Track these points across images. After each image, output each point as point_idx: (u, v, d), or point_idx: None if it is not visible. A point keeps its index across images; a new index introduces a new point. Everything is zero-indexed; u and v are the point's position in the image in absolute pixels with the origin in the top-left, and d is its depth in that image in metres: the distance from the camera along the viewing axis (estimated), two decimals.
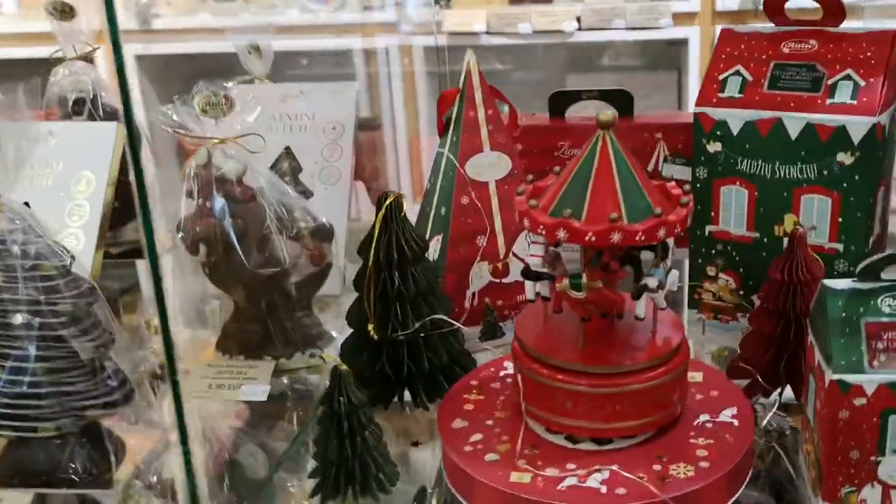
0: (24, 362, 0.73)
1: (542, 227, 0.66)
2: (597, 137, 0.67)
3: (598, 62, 2.55)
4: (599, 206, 0.65)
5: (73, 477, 0.75)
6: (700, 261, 0.91)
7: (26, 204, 0.99)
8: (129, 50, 2.30)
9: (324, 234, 0.92)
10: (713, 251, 0.90)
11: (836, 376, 0.60)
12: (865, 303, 0.61)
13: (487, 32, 2.36)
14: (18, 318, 0.71)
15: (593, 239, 0.64)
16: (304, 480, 0.76)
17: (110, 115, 1.17)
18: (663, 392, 0.70)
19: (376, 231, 0.79)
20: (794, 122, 0.81)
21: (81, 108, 1.17)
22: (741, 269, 0.89)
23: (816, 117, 0.80)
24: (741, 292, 0.90)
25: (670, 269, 0.71)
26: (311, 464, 0.73)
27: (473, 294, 0.95)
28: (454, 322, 0.80)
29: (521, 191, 0.70)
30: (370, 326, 0.81)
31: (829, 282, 0.64)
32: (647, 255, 0.72)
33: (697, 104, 0.86)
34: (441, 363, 0.82)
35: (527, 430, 0.72)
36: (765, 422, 0.76)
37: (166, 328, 0.63)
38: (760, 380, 0.79)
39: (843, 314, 0.61)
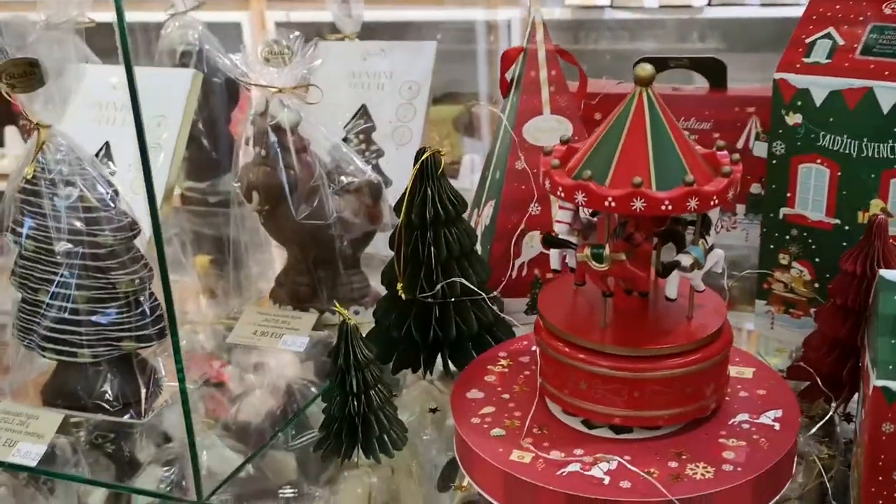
0: (64, 289, 0.75)
1: (561, 189, 0.61)
2: (633, 95, 0.61)
3: (730, 37, 2.39)
4: (627, 169, 0.59)
5: (105, 404, 0.78)
6: (772, 247, 0.82)
7: (107, 146, 1.05)
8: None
9: (372, 189, 0.91)
10: (787, 237, 0.81)
11: (880, 382, 0.51)
12: None
13: (612, 6, 2.27)
14: (61, 247, 0.74)
15: (613, 204, 0.58)
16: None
17: (213, 70, 1.20)
18: (692, 383, 0.63)
19: (409, 187, 0.76)
20: (888, 94, 0.71)
21: (188, 60, 1.21)
22: (817, 260, 0.80)
23: None
24: (816, 285, 0.80)
25: (711, 248, 0.64)
26: None
27: (523, 264, 0.90)
28: (478, 291, 0.76)
29: (549, 150, 0.65)
30: (399, 286, 0.78)
31: (886, 272, 0.55)
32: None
33: (778, 69, 0.77)
34: (470, 331, 0.79)
35: (541, 410, 0.68)
36: (813, 430, 0.67)
37: (166, 278, 0.64)
38: (820, 383, 0.70)
39: None
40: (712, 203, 0.59)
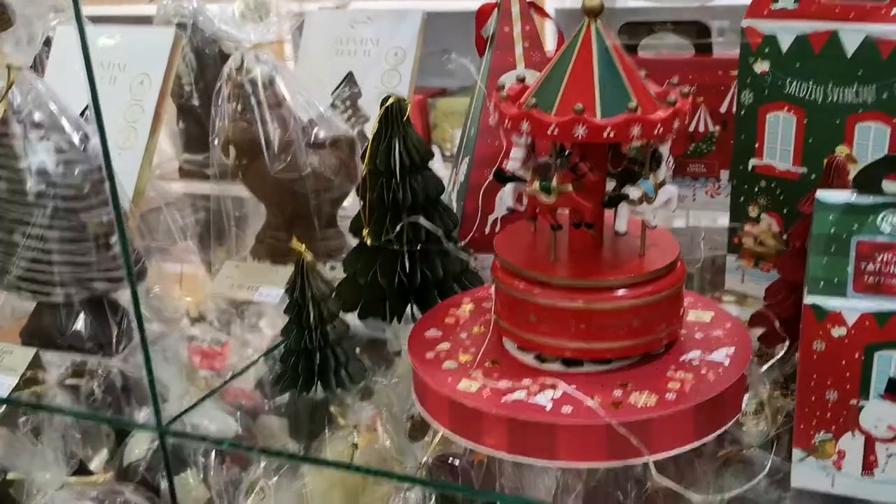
0: (37, 229, 0.77)
1: (507, 119, 0.61)
2: (581, 26, 0.61)
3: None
4: (572, 99, 0.59)
5: (78, 343, 0.80)
6: (742, 199, 0.82)
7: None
8: None
9: (347, 144, 0.92)
10: (756, 189, 0.81)
11: (810, 300, 0.51)
12: (861, 219, 0.52)
13: None
14: (31, 186, 0.76)
15: (556, 132, 0.59)
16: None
17: (207, 42, 1.23)
18: (642, 316, 0.63)
19: (374, 134, 0.77)
20: (851, 36, 0.71)
21: (183, 32, 1.23)
22: (785, 211, 0.79)
23: (877, 29, 0.69)
24: (784, 237, 0.80)
25: (662, 184, 0.64)
26: None
27: (496, 220, 0.91)
28: (443, 237, 0.77)
29: (501, 84, 0.66)
30: (364, 232, 0.79)
31: (822, 193, 0.55)
32: None
33: (746, 16, 0.77)
34: (436, 278, 0.79)
35: (495, 345, 0.68)
36: (764, 368, 0.67)
37: (120, 223, 0.65)
38: (778, 327, 0.70)
39: (832, 230, 0.52)
40: (656, 132, 0.59)
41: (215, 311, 1.03)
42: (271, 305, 0.93)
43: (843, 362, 0.51)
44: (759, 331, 0.72)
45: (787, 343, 0.68)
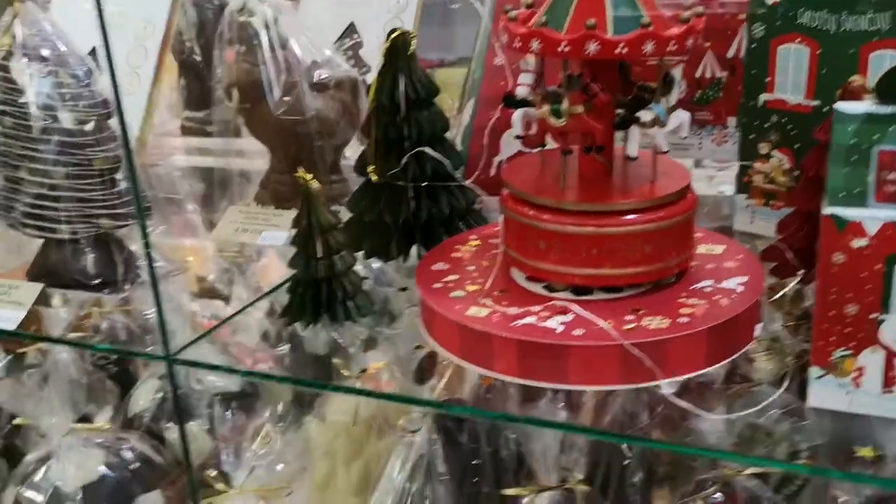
0: (42, 165, 0.76)
1: (517, 38, 0.60)
2: None
3: None
4: (583, 16, 0.58)
5: (84, 280, 0.79)
6: (752, 136, 0.81)
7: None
8: None
9: (350, 84, 0.90)
10: (766, 125, 0.79)
11: (829, 210, 0.50)
12: (882, 128, 0.51)
13: None
14: (36, 121, 0.75)
15: (567, 49, 0.57)
16: None
17: None
18: (653, 242, 0.62)
19: (379, 69, 0.76)
20: None
21: None
22: (797, 146, 0.78)
23: None
24: (795, 173, 0.79)
25: (674, 108, 0.63)
26: None
27: (501, 162, 0.90)
28: (449, 174, 0.76)
29: (509, 8, 0.64)
30: (369, 169, 0.78)
31: (841, 105, 0.53)
32: None
33: None
34: (441, 215, 0.78)
35: (504, 277, 0.67)
36: (778, 295, 0.66)
37: (130, 159, 0.64)
38: (792, 258, 0.69)
39: (853, 140, 0.51)
40: (670, 48, 0.58)
41: (216, 270, 1.03)
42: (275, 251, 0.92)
43: (864, 275, 0.50)
44: (771, 266, 0.71)
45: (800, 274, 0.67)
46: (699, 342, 0.58)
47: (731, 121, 1.02)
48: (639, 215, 0.61)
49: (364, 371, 0.72)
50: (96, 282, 0.79)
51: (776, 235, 0.76)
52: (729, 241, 0.72)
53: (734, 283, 0.64)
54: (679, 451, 0.68)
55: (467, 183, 0.81)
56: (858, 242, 0.50)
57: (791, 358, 0.68)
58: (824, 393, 0.53)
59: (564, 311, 0.61)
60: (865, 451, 0.58)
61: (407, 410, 0.83)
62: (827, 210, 0.50)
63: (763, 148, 0.81)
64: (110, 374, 1.12)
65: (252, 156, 1.02)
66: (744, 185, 0.83)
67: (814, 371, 0.53)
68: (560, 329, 0.59)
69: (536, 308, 0.62)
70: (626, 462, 0.82)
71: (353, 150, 0.99)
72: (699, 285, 0.64)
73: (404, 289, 0.79)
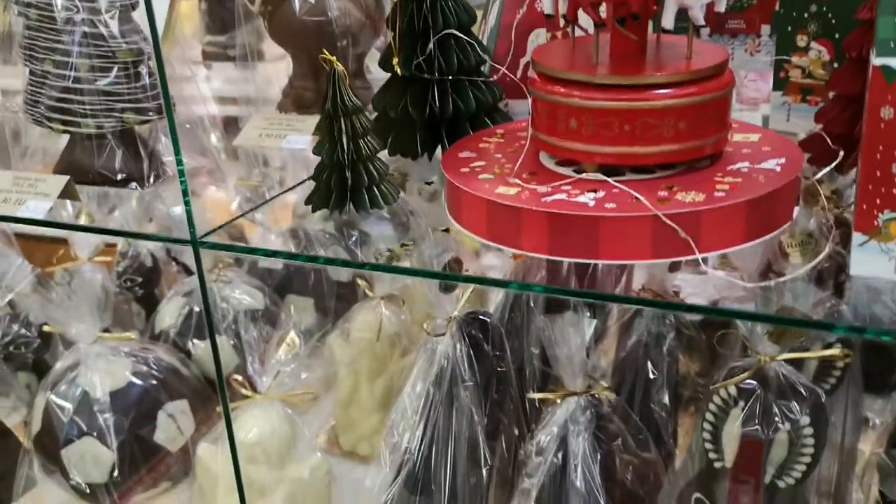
0: (66, 56, 0.75)
1: None
2: None
3: None
4: None
5: (110, 174, 0.78)
6: (789, 28, 0.78)
7: None
8: None
9: None
10: (805, 15, 0.76)
11: (879, 61, 0.48)
12: None
13: None
14: (59, 12, 0.74)
15: None
16: None
17: None
18: (687, 118, 0.60)
19: None
20: None
21: None
22: (837, 35, 0.75)
23: None
24: (835, 65, 0.76)
25: None
26: None
27: (528, 63, 0.87)
28: (476, 68, 0.74)
29: None
30: (394, 61, 0.76)
31: None
32: None
33: None
34: (468, 109, 0.76)
35: (533, 160, 0.65)
36: (818, 175, 0.63)
37: (158, 53, 0.63)
38: (831, 143, 0.67)
39: None
40: None
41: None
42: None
43: None
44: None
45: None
46: (737, 216, 0.56)
47: (765, 29, 0.99)
48: (673, 90, 0.59)
49: (392, 251, 0.71)
50: (122, 176, 0.78)
51: (814, 131, 0.73)
52: (765, 130, 0.70)
53: (772, 163, 0.62)
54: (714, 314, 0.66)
55: (494, 78, 0.79)
56: None
57: (829, 247, 0.66)
58: (867, 260, 0.52)
59: (595, 189, 0.59)
60: None
61: (432, 317, 0.82)
62: (877, 61, 0.48)
63: (801, 40, 0.78)
64: (136, 296, 1.13)
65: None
66: (779, 82, 0.81)
67: (857, 237, 0.52)
68: (592, 203, 0.57)
69: (566, 186, 0.60)
70: (652, 376, 0.81)
71: (376, 65, 0.98)
72: (735, 166, 0.62)
73: (430, 182, 0.78)
